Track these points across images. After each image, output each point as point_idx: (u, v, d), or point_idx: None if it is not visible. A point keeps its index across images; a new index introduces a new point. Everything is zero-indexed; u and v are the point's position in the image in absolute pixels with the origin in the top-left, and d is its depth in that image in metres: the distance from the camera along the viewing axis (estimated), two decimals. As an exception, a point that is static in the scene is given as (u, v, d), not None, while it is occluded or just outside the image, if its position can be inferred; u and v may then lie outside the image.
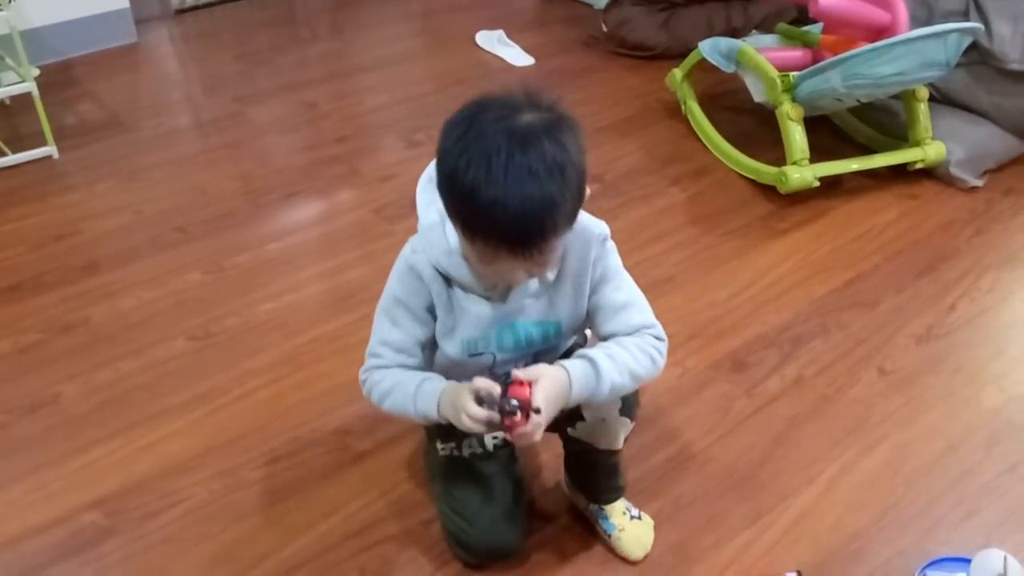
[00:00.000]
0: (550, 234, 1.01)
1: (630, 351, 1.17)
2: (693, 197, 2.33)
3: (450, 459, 1.34)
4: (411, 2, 3.57)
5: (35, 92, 2.31)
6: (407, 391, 1.18)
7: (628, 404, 1.24)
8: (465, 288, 1.17)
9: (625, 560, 1.40)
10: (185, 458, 1.56)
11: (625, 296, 1.21)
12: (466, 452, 1.32)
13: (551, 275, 1.19)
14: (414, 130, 2.55)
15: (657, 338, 1.21)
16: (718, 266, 2.07)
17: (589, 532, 1.44)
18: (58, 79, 2.81)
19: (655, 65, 2.95)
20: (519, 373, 1.09)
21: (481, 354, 1.22)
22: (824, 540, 1.44)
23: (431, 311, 1.20)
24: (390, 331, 1.21)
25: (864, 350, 1.83)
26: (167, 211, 2.23)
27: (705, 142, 2.54)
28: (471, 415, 1.09)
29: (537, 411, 1.07)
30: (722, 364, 1.79)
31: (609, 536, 1.41)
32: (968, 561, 1.28)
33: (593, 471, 1.40)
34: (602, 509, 1.42)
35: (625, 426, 1.27)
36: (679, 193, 2.35)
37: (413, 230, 1.21)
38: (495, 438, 1.32)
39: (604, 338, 1.23)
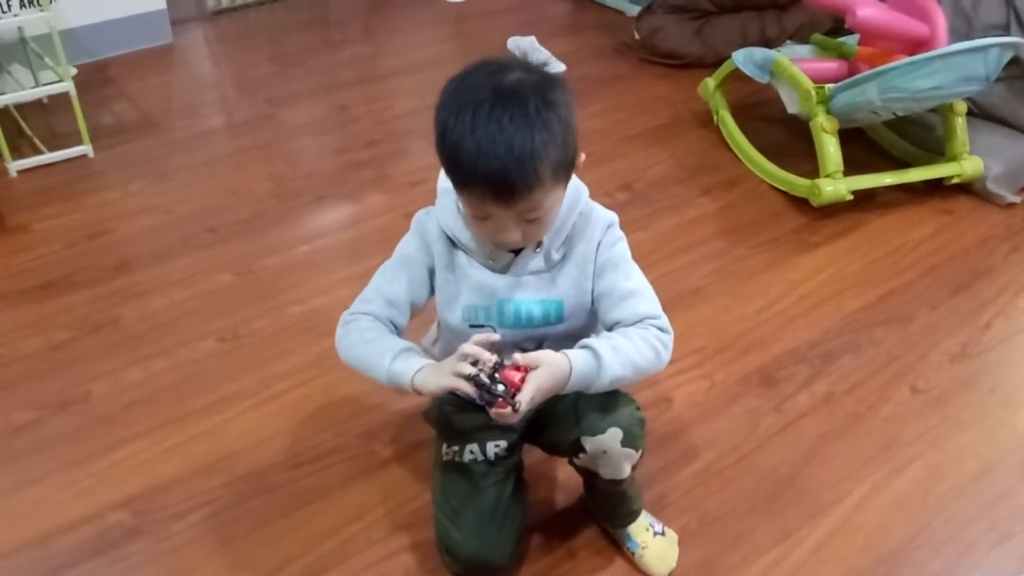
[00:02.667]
0: (533, 183, 1.03)
1: (635, 343, 1.15)
2: (724, 208, 2.31)
3: (451, 464, 1.33)
4: (443, 7, 3.58)
5: (72, 92, 2.34)
6: (389, 347, 1.17)
7: (631, 436, 1.21)
8: (469, 252, 1.20)
9: (649, 577, 1.38)
10: (211, 460, 1.57)
11: (632, 285, 1.21)
12: (466, 458, 1.31)
13: (556, 255, 1.19)
14: (444, 135, 2.54)
15: (662, 330, 1.19)
16: (748, 279, 2.05)
17: (613, 548, 1.43)
18: (94, 79, 2.84)
19: (687, 74, 2.94)
20: (519, 358, 1.09)
21: (482, 326, 1.22)
22: (853, 561, 1.42)
23: (431, 277, 1.23)
24: (389, 283, 1.24)
25: (897, 367, 1.80)
26: (199, 212, 2.24)
27: (737, 152, 2.52)
28: (457, 386, 1.08)
29: (515, 407, 1.06)
30: (751, 378, 1.77)
31: (633, 554, 1.40)
32: (1002, 588, 1.25)
33: (602, 499, 1.39)
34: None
35: (630, 457, 1.24)
36: (709, 204, 2.33)
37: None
38: (497, 446, 1.31)
39: (609, 326, 1.21)
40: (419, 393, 1.15)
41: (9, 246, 2.10)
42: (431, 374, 1.13)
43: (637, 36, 3.12)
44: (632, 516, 1.40)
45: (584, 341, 1.16)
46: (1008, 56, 2.07)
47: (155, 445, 1.60)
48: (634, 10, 3.34)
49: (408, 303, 1.24)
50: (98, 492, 1.50)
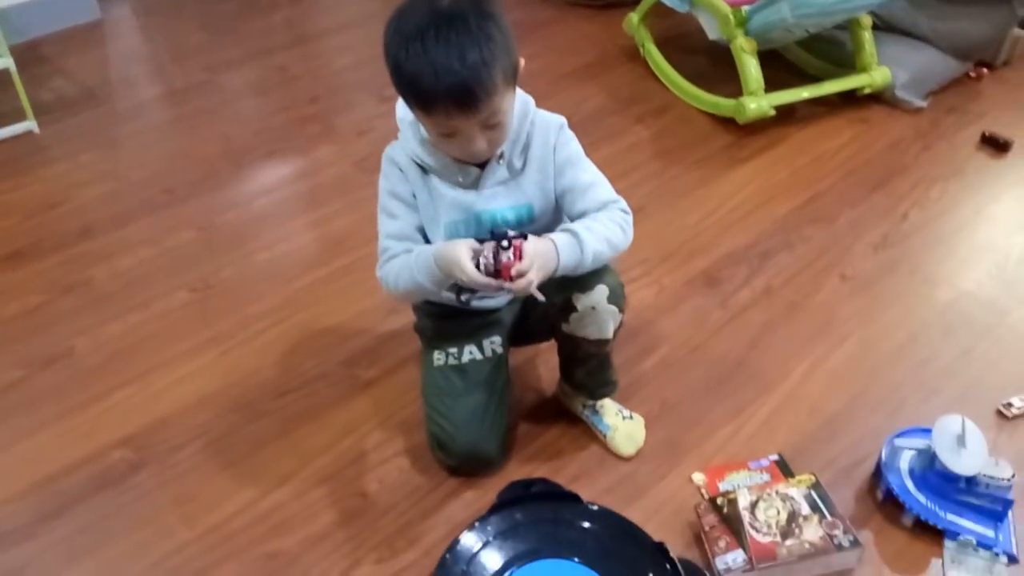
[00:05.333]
0: (491, 88, 1.15)
1: (603, 223, 1.28)
2: (657, 133, 2.45)
3: (444, 367, 1.45)
4: (367, -34, 3.60)
5: (12, 68, 2.34)
6: (408, 265, 1.28)
7: (616, 295, 1.34)
8: (439, 175, 1.31)
9: (620, 457, 1.52)
10: (202, 396, 1.65)
11: (590, 177, 1.34)
12: (465, 358, 1.44)
13: (518, 162, 1.31)
14: (384, 86, 2.49)
15: (623, 211, 1.33)
16: (685, 194, 2.19)
17: (587, 435, 1.56)
18: (28, 58, 2.80)
19: (611, 13, 3.03)
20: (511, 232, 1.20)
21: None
22: (800, 426, 1.58)
23: (416, 197, 1.33)
24: (390, 224, 1.34)
25: (826, 260, 1.97)
26: (153, 175, 2.28)
27: (665, 81, 2.65)
28: (469, 276, 1.18)
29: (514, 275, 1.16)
30: (696, 281, 1.91)
31: (604, 436, 1.53)
32: (931, 431, 1.40)
33: (586, 364, 1.48)
34: (596, 412, 1.54)
35: (614, 316, 1.36)
36: (643, 130, 2.46)
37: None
38: (492, 342, 1.44)
39: (575, 218, 1.33)
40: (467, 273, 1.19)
41: (-34, 222, 2.12)
42: (444, 261, 1.21)
43: (560, -20, 3.20)
44: (612, 387, 1.52)
45: (561, 227, 1.27)
46: (906, -32, 2.23)
47: (145, 388, 1.67)
48: (555, -44, 3.42)
49: (414, 229, 1.34)
50: (98, 434, 1.58)
